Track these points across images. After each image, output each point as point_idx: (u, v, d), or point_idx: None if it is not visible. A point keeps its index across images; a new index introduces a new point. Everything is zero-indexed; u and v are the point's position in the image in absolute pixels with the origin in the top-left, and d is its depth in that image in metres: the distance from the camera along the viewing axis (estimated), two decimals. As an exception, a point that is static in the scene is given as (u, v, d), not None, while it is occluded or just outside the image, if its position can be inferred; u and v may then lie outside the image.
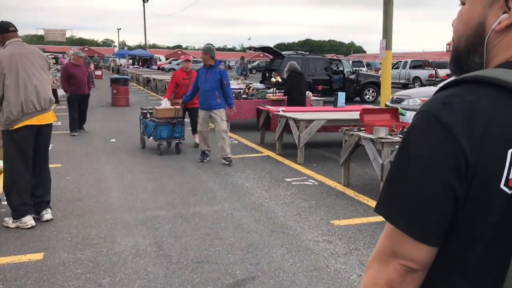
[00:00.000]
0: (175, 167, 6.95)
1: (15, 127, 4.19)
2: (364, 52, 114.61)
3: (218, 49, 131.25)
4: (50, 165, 4.76)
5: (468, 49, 0.90)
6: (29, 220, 4.28)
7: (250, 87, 10.61)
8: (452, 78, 0.89)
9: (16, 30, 4.40)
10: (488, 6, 0.87)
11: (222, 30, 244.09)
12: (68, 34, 56.81)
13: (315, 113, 8.05)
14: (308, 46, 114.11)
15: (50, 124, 4.51)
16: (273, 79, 10.98)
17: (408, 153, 0.83)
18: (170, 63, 48.74)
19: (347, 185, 6.07)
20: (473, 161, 0.78)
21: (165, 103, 8.04)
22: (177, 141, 7.86)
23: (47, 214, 4.49)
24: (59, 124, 10.30)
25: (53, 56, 35.27)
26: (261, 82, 16.65)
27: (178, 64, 44.93)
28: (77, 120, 9.82)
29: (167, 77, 23.29)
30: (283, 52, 17.89)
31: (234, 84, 12.29)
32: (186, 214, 4.84)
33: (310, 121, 7.27)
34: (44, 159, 4.54)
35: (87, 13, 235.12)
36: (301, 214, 4.94)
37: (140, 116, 8.32)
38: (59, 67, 26.85)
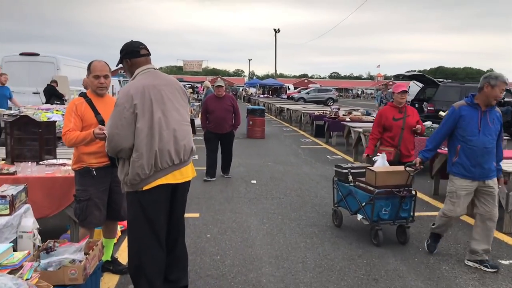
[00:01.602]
0: (335, 227, 5.41)
1: (145, 188, 3.01)
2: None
3: (344, 77, 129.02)
4: (187, 214, 3.60)
5: None
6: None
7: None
8: None
9: (149, 54, 3.23)
10: None
11: (347, 58, 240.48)
12: (203, 65, 59.93)
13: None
14: (441, 74, 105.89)
15: (189, 182, 3.27)
16: (441, 113, 9.04)
17: None
18: (299, 92, 48.28)
19: None
20: None
21: (382, 161, 5.22)
22: (403, 222, 4.99)
23: (184, 306, 3.24)
24: (196, 158, 9.52)
25: (190, 86, 37.10)
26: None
27: (307, 93, 44.22)
28: (214, 162, 8.09)
29: (301, 107, 22.14)
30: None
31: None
32: (375, 321, 3.23)
33: (525, 176, 5.20)
34: (179, 228, 3.30)
35: (220, 45, 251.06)
36: None
37: (334, 177, 5.56)
38: (195, 95, 27.72)
